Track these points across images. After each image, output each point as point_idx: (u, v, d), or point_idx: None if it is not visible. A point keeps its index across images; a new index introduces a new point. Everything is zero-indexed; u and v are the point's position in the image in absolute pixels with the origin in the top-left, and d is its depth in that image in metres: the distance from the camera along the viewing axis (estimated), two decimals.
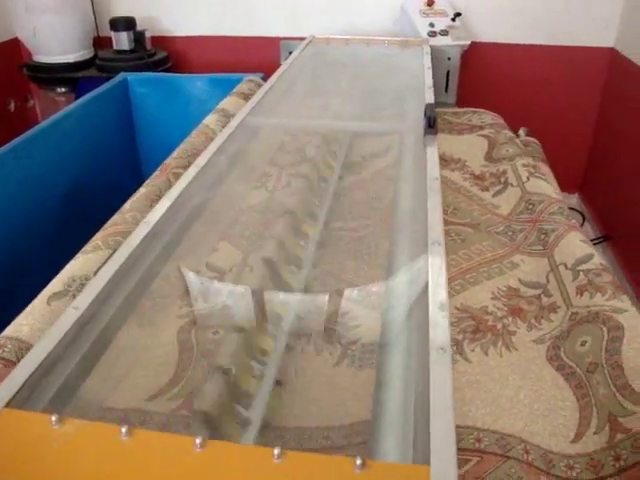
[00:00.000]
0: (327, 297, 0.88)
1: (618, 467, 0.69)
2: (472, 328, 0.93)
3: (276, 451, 0.45)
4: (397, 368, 0.68)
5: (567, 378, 0.83)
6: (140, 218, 0.99)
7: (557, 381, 0.83)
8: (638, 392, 0.74)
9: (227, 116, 1.51)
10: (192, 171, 0.98)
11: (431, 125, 1.11)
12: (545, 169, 1.73)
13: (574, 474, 0.71)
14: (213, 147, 1.08)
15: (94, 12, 2.46)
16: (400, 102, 1.49)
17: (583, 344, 0.87)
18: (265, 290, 0.85)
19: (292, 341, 0.83)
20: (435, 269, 0.69)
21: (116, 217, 1.00)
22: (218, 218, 1.07)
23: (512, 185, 1.36)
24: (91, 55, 2.42)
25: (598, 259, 1.01)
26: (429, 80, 1.48)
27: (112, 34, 2.29)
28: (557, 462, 0.72)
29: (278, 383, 0.74)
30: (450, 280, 1.00)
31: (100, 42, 2.49)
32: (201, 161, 1.02)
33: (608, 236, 2.27)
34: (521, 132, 2.01)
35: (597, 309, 0.90)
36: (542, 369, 0.86)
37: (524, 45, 2.40)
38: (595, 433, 0.74)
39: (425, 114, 1.17)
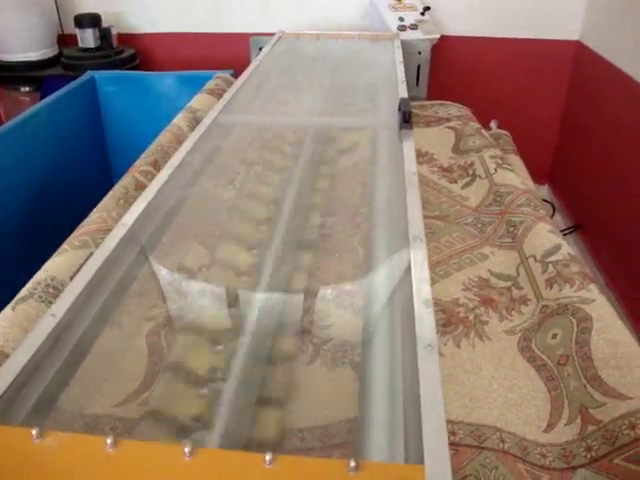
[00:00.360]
0: (302, 296, 0.87)
1: (589, 457, 0.71)
2: (443, 321, 0.93)
3: (268, 456, 0.44)
4: (379, 366, 0.67)
5: (538, 370, 0.85)
6: (107, 217, 0.97)
7: (529, 372, 0.85)
8: (607, 383, 0.76)
9: (197, 115, 1.49)
10: (165, 172, 0.96)
11: (406, 120, 1.11)
12: (517, 161, 1.75)
13: (547, 462, 0.72)
14: (186, 146, 1.06)
15: (57, 9, 2.40)
16: (373, 97, 1.49)
17: (554, 337, 0.89)
18: (238, 289, 0.84)
19: (267, 341, 0.82)
20: (418, 265, 0.69)
21: (85, 220, 0.98)
22: (190, 218, 1.06)
23: (480, 177, 1.37)
24: (56, 53, 2.36)
25: (566, 249, 1.03)
26: (401, 74, 1.48)
27: (77, 31, 2.24)
28: (532, 450, 0.73)
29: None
30: None
31: (65, 40, 2.43)
32: (175, 161, 1.00)
33: (578, 225, 2.31)
34: (492, 124, 2.04)
35: (566, 301, 0.92)
36: (514, 359, 0.87)
37: (492, 38, 2.42)
38: (566, 425, 0.76)
39: (399, 109, 1.16)
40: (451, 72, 2.40)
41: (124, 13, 2.47)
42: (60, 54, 2.34)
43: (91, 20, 2.23)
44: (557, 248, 1.03)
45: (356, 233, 1.02)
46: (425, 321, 0.60)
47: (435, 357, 0.55)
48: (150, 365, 0.78)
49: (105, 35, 2.25)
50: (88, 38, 2.24)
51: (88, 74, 1.93)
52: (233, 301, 0.85)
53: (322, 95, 1.48)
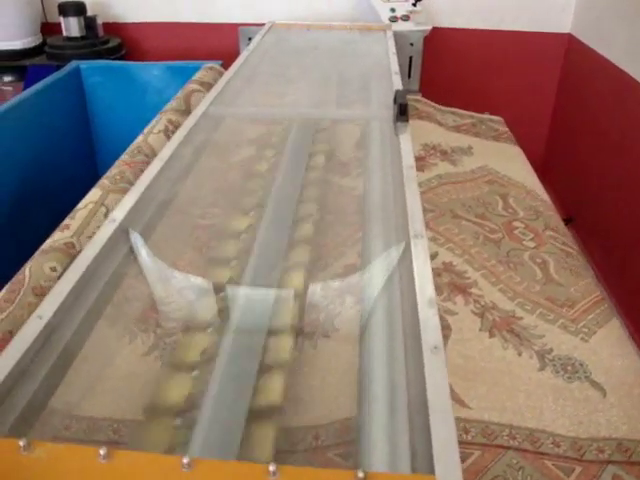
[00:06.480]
0: (293, 292, 0.85)
1: None
2: None
3: (271, 467, 0.41)
4: (379, 369, 0.64)
5: None
6: None
7: None
8: (453, 389, 0.80)
9: (172, 125, 1.35)
10: (156, 164, 0.93)
11: (402, 112, 1.09)
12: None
13: None
14: (178, 137, 1.03)
15: None
16: (367, 89, 1.46)
17: None
18: (233, 285, 0.82)
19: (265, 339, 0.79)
20: (420, 264, 0.67)
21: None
22: (183, 215, 1.02)
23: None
24: (39, 42, 2.29)
25: (442, 258, 1.08)
26: (395, 66, 1.45)
27: (61, 20, 2.17)
28: None
29: None
30: None
31: (49, 28, 2.37)
32: (165, 153, 0.97)
33: (570, 219, 2.30)
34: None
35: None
36: None
37: (484, 30, 2.40)
38: None
39: (395, 101, 1.14)
40: (443, 64, 2.38)
41: (109, 2, 2.41)
42: (44, 43, 2.27)
43: (76, 8, 2.17)
44: (433, 255, 1.07)
45: (352, 229, 0.99)
46: (430, 322, 0.58)
47: (442, 359, 0.53)
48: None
49: (90, 24, 2.18)
50: (73, 27, 2.18)
51: (73, 64, 1.87)
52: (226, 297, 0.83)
53: (314, 87, 1.45)
